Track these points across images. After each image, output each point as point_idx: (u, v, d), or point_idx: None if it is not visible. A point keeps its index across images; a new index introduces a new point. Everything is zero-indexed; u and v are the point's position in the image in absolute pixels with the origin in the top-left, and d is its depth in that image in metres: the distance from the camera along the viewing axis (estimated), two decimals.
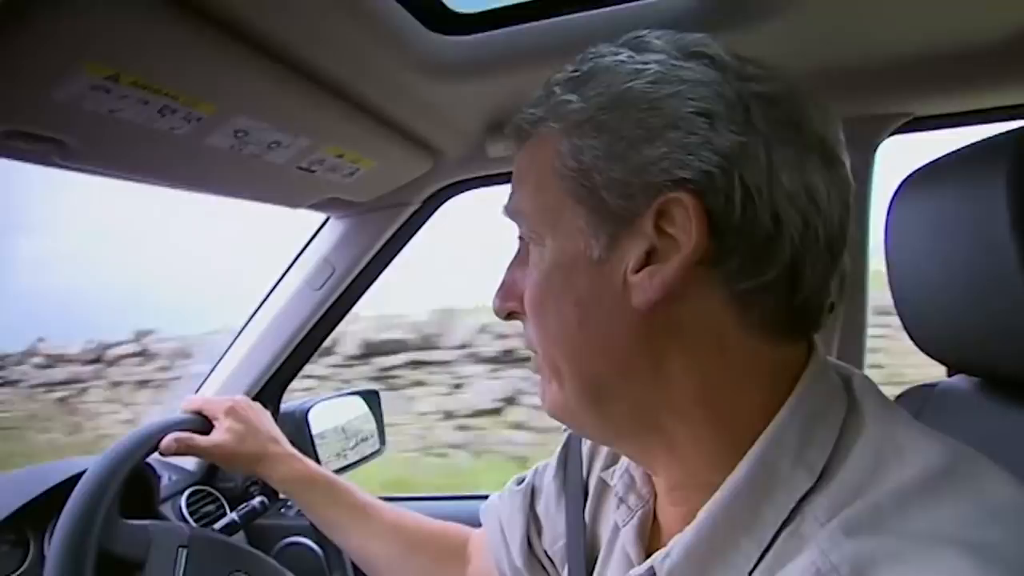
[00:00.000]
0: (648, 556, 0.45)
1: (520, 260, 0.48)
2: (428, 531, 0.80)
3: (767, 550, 0.39)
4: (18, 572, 0.83)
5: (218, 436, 0.82)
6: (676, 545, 0.42)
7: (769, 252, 0.39)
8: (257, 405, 0.88)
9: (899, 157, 0.95)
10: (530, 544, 0.64)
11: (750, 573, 0.39)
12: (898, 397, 0.65)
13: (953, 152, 0.56)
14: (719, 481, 0.41)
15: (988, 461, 0.38)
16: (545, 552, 0.64)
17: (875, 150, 0.95)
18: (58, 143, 0.60)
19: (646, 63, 0.41)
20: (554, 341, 0.45)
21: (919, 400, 0.63)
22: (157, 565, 0.73)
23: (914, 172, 0.59)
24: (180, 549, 0.76)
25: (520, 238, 0.49)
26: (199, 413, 0.85)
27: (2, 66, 0.48)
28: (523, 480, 0.69)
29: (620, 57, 0.42)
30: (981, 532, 0.32)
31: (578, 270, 0.42)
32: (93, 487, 0.71)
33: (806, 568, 0.35)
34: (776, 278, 0.39)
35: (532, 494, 0.66)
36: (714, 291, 0.40)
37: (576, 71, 0.43)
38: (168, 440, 0.78)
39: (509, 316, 0.49)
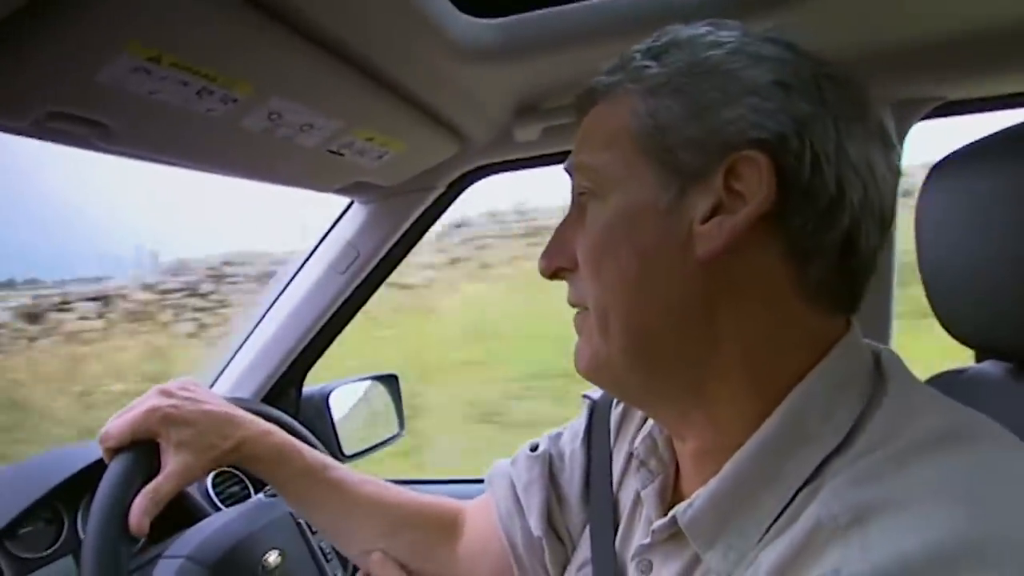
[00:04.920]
0: None
1: (572, 220, 0.49)
2: (414, 507, 0.72)
3: (787, 507, 0.40)
4: (53, 548, 0.85)
5: (174, 463, 0.63)
6: (699, 497, 0.43)
7: (831, 215, 0.41)
8: (186, 385, 0.69)
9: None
10: (549, 513, 0.63)
11: (768, 528, 0.40)
12: (926, 382, 0.65)
13: (989, 136, 0.56)
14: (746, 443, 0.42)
15: (996, 426, 0.40)
16: (565, 523, 0.63)
17: (905, 135, 0.94)
18: (100, 126, 0.60)
19: (726, 38, 0.43)
20: (610, 293, 0.45)
21: (947, 385, 0.62)
22: None
23: (948, 156, 0.59)
24: None
25: (579, 195, 0.49)
26: (134, 442, 0.65)
27: (50, 48, 0.48)
28: (536, 446, 0.67)
29: (699, 31, 0.44)
30: (975, 486, 0.34)
31: (644, 221, 0.44)
32: None
33: (808, 518, 0.37)
34: (834, 241, 0.41)
35: (550, 461, 0.65)
36: (774, 247, 0.42)
37: (655, 41, 0.45)
38: (138, 518, 0.61)
39: (554, 275, 0.50)
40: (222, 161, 0.78)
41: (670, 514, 0.45)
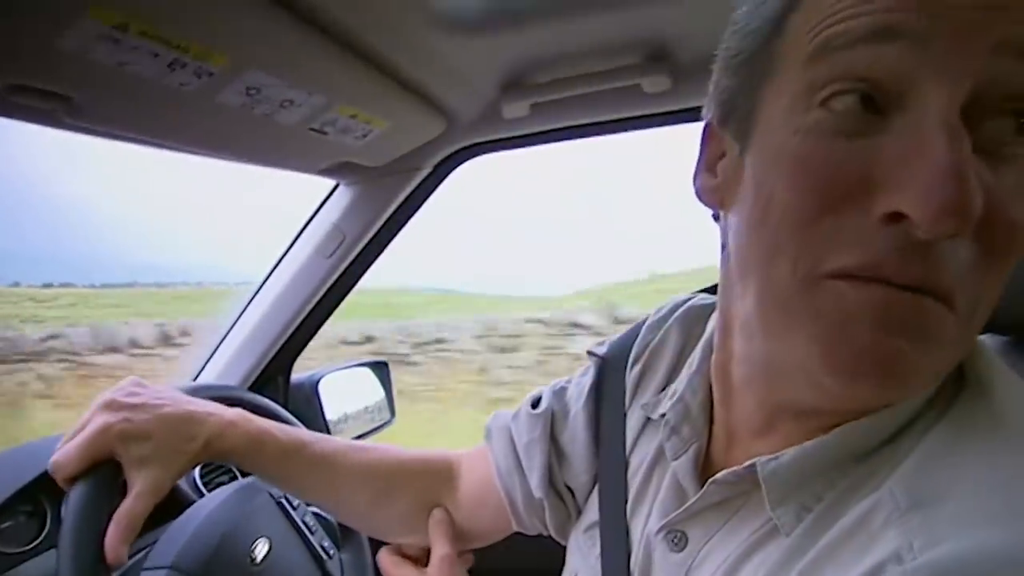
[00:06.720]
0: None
1: (998, 163, 0.32)
2: (405, 468, 0.70)
3: (850, 475, 0.38)
4: (36, 542, 0.83)
5: (142, 482, 0.59)
6: (789, 452, 0.39)
7: None
8: (132, 390, 0.64)
9: None
10: (551, 472, 0.60)
11: (832, 495, 0.38)
12: None
13: None
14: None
15: None
16: (566, 484, 0.61)
17: None
18: (65, 100, 0.57)
19: None
20: (999, 284, 0.34)
21: None
22: None
23: None
24: None
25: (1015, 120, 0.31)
26: (94, 463, 0.59)
27: (6, 13, 0.46)
28: (538, 401, 0.64)
29: None
30: None
31: None
32: None
33: (868, 496, 0.35)
34: None
35: (552, 418, 0.62)
36: None
37: None
38: (115, 549, 0.56)
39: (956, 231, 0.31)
40: (199, 140, 0.75)
41: (748, 462, 0.41)
